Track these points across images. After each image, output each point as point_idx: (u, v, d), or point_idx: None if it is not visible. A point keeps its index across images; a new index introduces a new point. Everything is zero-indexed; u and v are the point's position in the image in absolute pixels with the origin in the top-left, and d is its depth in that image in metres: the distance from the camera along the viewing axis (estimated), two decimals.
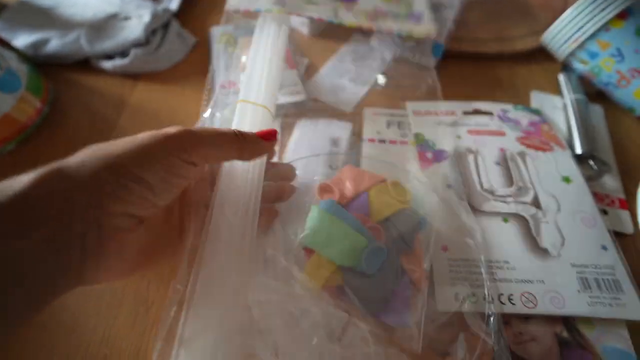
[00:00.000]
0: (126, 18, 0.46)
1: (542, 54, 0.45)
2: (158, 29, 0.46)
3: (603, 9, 0.36)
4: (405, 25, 0.41)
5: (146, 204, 0.19)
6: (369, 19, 0.41)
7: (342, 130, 0.36)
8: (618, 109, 0.40)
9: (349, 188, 0.27)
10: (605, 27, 0.36)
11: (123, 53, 0.44)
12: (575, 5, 0.37)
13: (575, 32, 0.38)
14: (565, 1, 0.51)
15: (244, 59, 0.40)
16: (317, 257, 0.24)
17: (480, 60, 0.45)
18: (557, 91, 0.42)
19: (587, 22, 0.37)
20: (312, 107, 0.39)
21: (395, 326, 0.23)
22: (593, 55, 0.38)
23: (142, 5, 0.47)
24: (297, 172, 0.31)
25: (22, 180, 0.17)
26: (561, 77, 0.42)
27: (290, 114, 0.38)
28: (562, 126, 0.38)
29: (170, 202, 0.21)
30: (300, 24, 0.48)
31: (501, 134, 0.36)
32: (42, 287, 0.17)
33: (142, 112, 0.41)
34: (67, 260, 0.17)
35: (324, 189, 0.27)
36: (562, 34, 0.39)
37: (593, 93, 0.41)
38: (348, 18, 0.40)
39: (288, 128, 0.37)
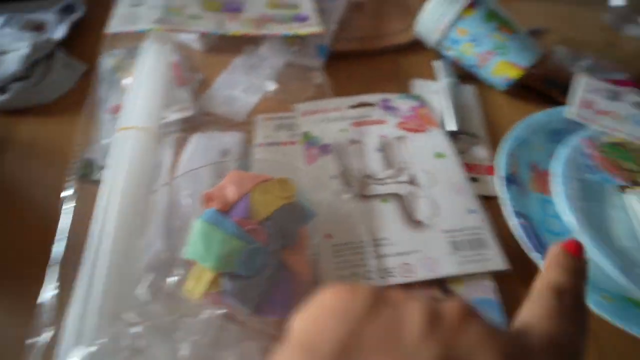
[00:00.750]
0: (3, 52, 0.44)
1: (420, 46, 0.49)
2: (41, 60, 0.44)
3: (457, 1, 0.40)
4: (292, 26, 0.42)
5: None
6: (255, 26, 0.42)
7: (233, 140, 0.37)
8: (486, 87, 0.45)
9: (231, 193, 0.28)
10: (460, 16, 0.41)
11: (2, 89, 0.42)
12: None
13: (437, 23, 0.42)
14: None
15: (125, 81, 0.39)
16: (197, 267, 0.25)
17: (365, 57, 0.48)
18: (435, 77, 0.46)
19: (445, 12, 0.41)
20: (204, 120, 0.40)
21: (279, 319, 0.24)
22: (455, 42, 0.42)
23: (19, 37, 0.46)
24: (188, 187, 0.32)
25: None
26: (435, 64, 0.46)
27: (182, 129, 0.39)
28: (438, 109, 0.42)
29: None
30: (192, 40, 0.49)
31: (383, 122, 0.39)
32: None
33: (27, 152, 0.39)
34: None
35: (208, 198, 0.28)
36: (427, 25, 0.43)
37: (465, 75, 0.45)
38: (234, 27, 0.41)
39: (182, 144, 0.38)
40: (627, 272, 0.27)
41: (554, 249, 0.18)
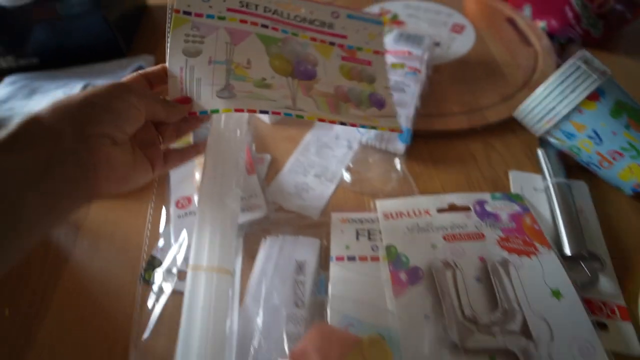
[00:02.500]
0: None
1: (516, 123, 0.43)
2: None
3: (572, 91, 0.34)
4: (370, 114, 0.36)
5: (116, 127, 0.25)
6: (330, 107, 0.35)
7: (308, 250, 0.33)
8: (603, 183, 0.38)
9: None
10: (577, 109, 0.34)
11: None
12: (544, 85, 0.35)
13: (548, 113, 0.35)
14: (534, 60, 0.49)
15: (197, 175, 0.37)
16: None
17: (452, 137, 0.43)
18: (537, 168, 0.39)
19: (558, 103, 0.34)
20: (276, 219, 0.36)
21: None
22: (569, 136, 0.36)
23: None
24: (260, 316, 0.29)
25: (7, 128, 0.21)
26: (540, 154, 0.39)
27: (252, 231, 0.35)
28: (546, 214, 0.35)
29: (133, 132, 0.27)
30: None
31: (480, 236, 0.33)
32: (56, 195, 0.22)
33: (98, 236, 0.38)
34: (69, 172, 0.22)
35: None
36: (534, 113, 0.37)
37: (575, 165, 0.38)
38: (308, 107, 0.33)
39: (251, 248, 0.34)
40: None
41: None
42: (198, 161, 0.39)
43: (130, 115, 0.26)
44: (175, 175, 0.40)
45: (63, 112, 0.23)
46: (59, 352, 0.31)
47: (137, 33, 0.64)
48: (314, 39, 0.37)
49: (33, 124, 0.22)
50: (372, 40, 0.39)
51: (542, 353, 0.27)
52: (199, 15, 0.34)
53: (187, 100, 0.30)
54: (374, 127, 0.34)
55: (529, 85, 0.45)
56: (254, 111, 0.31)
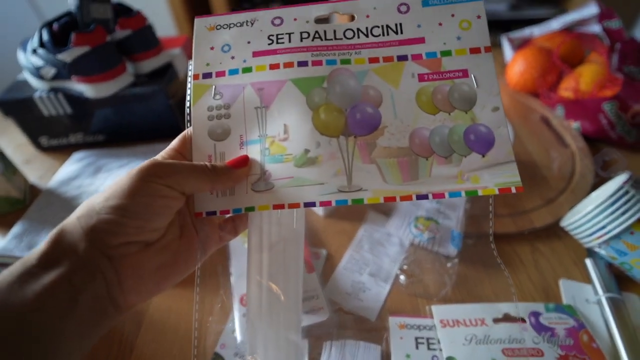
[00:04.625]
0: None
1: (561, 229, 0.45)
2: None
3: (623, 213, 0.36)
4: (467, 166, 0.25)
5: (142, 230, 0.23)
6: (403, 172, 0.25)
7: (370, 358, 0.34)
8: None
9: None
10: (628, 229, 0.36)
11: None
12: (595, 205, 0.37)
13: (598, 230, 0.37)
14: (572, 161, 0.52)
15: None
16: None
17: (498, 240, 0.45)
18: (586, 277, 0.40)
19: (609, 223, 0.37)
20: (337, 322, 0.38)
21: None
22: (621, 254, 0.37)
23: None
24: None
25: (40, 246, 0.22)
26: (589, 264, 0.40)
27: (314, 334, 0.37)
28: (602, 329, 0.36)
29: (168, 223, 0.24)
30: None
31: (539, 353, 0.34)
32: (82, 323, 0.21)
33: (160, 329, 0.40)
34: (94, 289, 0.21)
35: None
36: (583, 228, 0.39)
37: (626, 278, 0.39)
38: (370, 181, 0.25)
39: (312, 352, 0.36)
40: None
41: None
42: None
43: (158, 206, 0.23)
44: (237, 268, 0.42)
45: (84, 223, 0.22)
46: None
47: None
48: (374, 60, 0.27)
49: (57, 241, 0.22)
50: (467, 32, 0.27)
51: None
52: (220, 74, 0.28)
53: (242, 163, 0.26)
54: (473, 193, 0.24)
55: (570, 189, 0.48)
56: (298, 205, 0.25)
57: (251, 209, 0.26)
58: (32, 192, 0.57)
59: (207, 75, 0.28)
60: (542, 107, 0.61)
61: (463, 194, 0.24)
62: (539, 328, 0.36)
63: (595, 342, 0.35)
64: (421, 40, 0.27)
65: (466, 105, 0.25)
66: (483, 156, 0.25)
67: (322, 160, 0.26)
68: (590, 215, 0.38)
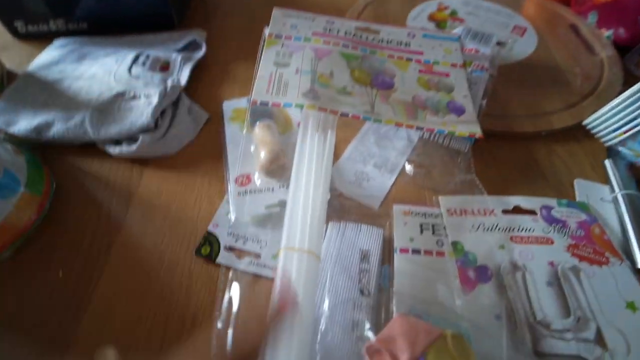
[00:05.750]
0: (133, 97, 0.43)
1: (581, 132, 0.42)
2: (167, 108, 0.43)
3: None
4: (448, 120, 0.36)
5: None
6: (408, 114, 0.36)
7: (372, 240, 0.33)
8: None
9: (402, 350, 0.23)
10: None
11: (130, 138, 0.41)
12: (627, 94, 0.34)
13: (627, 123, 0.35)
14: (600, 69, 0.48)
15: (262, 155, 0.36)
16: None
17: (515, 140, 0.42)
18: (603, 178, 0.38)
19: (637, 114, 0.33)
20: (338, 205, 0.36)
21: None
22: None
23: (150, 82, 0.45)
24: (325, 301, 0.28)
25: None
26: (608, 164, 0.38)
27: None
28: (615, 225, 0.34)
29: None
30: None
31: (549, 241, 0.32)
32: None
33: (150, 208, 0.38)
34: None
35: (373, 351, 0.23)
36: (610, 122, 0.36)
37: None
38: (386, 113, 0.35)
39: None
40: None
41: None
42: (258, 139, 0.39)
43: None
44: (233, 153, 0.40)
45: None
46: (112, 317, 0.31)
47: (189, 6, 0.63)
48: (391, 56, 0.41)
49: None
50: (449, 55, 0.42)
51: None
52: (288, 37, 0.41)
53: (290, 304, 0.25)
54: (452, 133, 0.35)
55: (595, 94, 0.44)
56: (336, 112, 0.34)
57: (300, 106, 0.33)
58: (10, 79, 0.52)
59: (278, 36, 0.41)
60: (572, 15, 0.56)
61: (446, 131, 0.35)
62: (550, 220, 0.34)
63: (607, 235, 0.33)
64: (421, 53, 0.41)
65: (448, 90, 0.39)
66: (458, 117, 0.36)
67: (355, 94, 0.36)
68: (619, 108, 0.35)
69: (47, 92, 0.46)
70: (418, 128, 0.35)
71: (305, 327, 0.23)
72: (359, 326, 0.28)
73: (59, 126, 0.41)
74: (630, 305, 0.29)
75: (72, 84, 0.47)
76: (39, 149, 0.41)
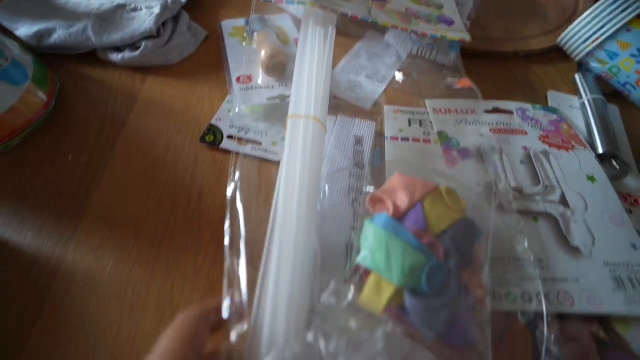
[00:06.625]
0: (135, 9, 0.44)
1: (556, 55, 0.46)
2: (168, 21, 0.44)
3: (624, 10, 0.36)
4: (440, 28, 0.40)
5: None
6: (402, 20, 0.40)
7: (365, 129, 0.35)
8: (635, 110, 0.41)
9: (402, 199, 0.25)
10: (625, 27, 0.37)
11: (132, 45, 0.42)
12: (595, 5, 0.38)
13: (595, 33, 0.38)
14: (576, 1, 0.51)
15: (263, 54, 0.39)
16: (376, 279, 0.23)
17: (495, 59, 0.45)
18: (574, 91, 0.42)
19: (608, 22, 0.37)
20: (333, 104, 0.38)
21: (462, 346, 0.22)
22: (612, 56, 0.38)
23: None
24: (325, 167, 0.31)
25: None
26: (577, 77, 0.42)
27: None
28: (582, 126, 0.38)
29: None
30: None
31: (523, 132, 0.36)
32: None
33: (154, 108, 0.39)
34: None
35: (376, 200, 0.26)
36: (581, 33, 0.39)
37: (608, 93, 0.41)
38: (382, 17, 0.39)
39: None
40: None
41: None
42: (258, 44, 0.41)
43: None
44: (234, 59, 0.41)
45: None
46: (123, 192, 0.33)
47: None
48: None
49: None
50: None
51: (578, 218, 0.30)
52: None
53: None
54: (444, 37, 0.38)
55: (570, 22, 0.48)
56: (335, 11, 0.36)
57: (303, 2, 0.36)
58: None
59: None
60: None
61: (439, 36, 0.39)
62: (525, 118, 0.38)
63: (574, 130, 0.37)
64: None
65: (438, 7, 0.43)
66: (448, 27, 0.40)
67: (354, 1, 0.39)
68: (588, 20, 0.38)
69: (45, 5, 0.46)
70: (412, 32, 0.38)
71: (313, 186, 0.26)
72: (354, 191, 0.31)
73: (61, 32, 0.42)
74: (591, 178, 0.32)
75: None
76: (41, 58, 0.42)
